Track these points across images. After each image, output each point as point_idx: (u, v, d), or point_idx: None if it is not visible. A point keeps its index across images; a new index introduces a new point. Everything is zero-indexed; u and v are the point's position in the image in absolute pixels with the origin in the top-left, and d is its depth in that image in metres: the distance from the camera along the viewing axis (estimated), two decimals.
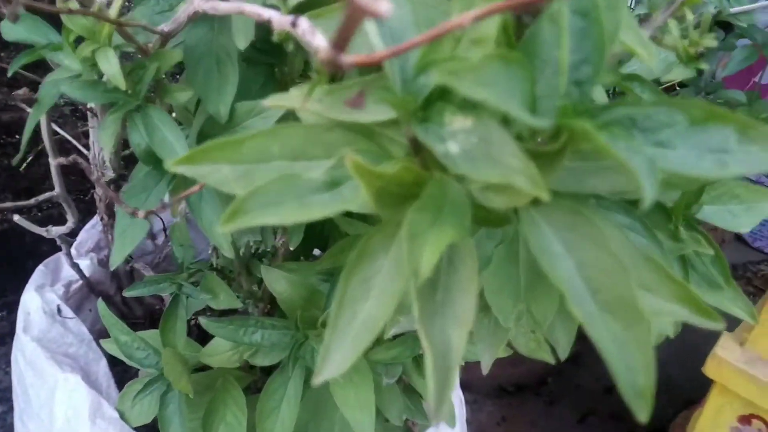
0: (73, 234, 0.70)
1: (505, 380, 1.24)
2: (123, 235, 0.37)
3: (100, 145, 0.35)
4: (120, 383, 0.61)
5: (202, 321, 0.41)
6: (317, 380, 0.22)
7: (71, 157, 0.40)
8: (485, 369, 0.38)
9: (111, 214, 0.73)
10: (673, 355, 1.44)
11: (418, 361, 0.47)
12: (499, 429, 1.18)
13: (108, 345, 0.56)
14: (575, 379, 1.33)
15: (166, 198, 0.39)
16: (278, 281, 0.44)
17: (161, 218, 0.88)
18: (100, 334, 0.65)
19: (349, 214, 0.57)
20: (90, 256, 0.76)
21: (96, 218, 0.81)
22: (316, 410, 0.43)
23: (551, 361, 0.32)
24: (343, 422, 0.44)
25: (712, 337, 1.50)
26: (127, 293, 0.51)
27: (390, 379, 0.44)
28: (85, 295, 0.74)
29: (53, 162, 0.45)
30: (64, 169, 0.59)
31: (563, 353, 0.37)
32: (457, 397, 0.65)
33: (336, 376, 0.37)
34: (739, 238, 1.91)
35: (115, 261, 0.37)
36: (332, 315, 0.22)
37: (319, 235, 0.58)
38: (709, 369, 0.79)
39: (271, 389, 0.41)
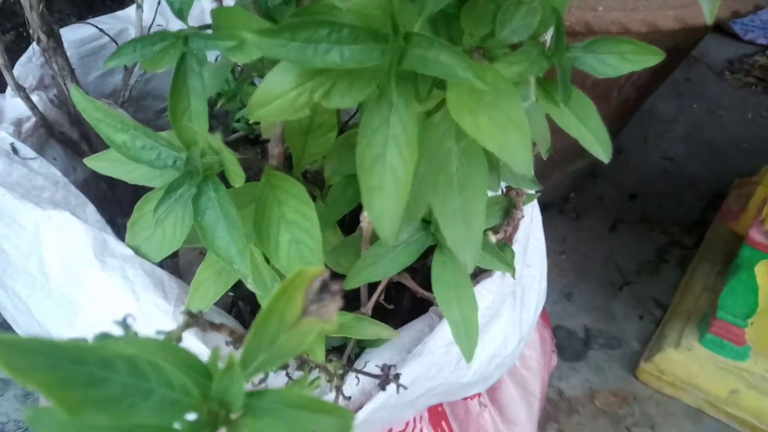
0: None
1: None
2: None
3: None
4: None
5: (248, 35, 0.26)
6: None
7: None
8: (710, 18, 0.25)
9: (50, 32, 0.55)
10: (690, 153, 1.37)
11: (544, 87, 0.33)
12: None
13: (94, 162, 0.41)
14: (597, 192, 1.25)
15: None
16: None
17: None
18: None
19: None
20: (37, 94, 0.59)
21: (31, 47, 0.62)
22: (424, 155, 0.30)
23: None
24: (465, 170, 0.31)
25: (726, 132, 1.44)
26: (106, 64, 0.36)
27: (523, 103, 0.31)
28: (43, 139, 0.57)
29: None
30: None
31: None
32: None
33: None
34: (727, 32, 1.81)
35: None
36: None
37: None
38: None
39: (368, 131, 0.28)
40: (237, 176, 0.33)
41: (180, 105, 0.36)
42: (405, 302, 0.51)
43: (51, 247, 0.42)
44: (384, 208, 0.28)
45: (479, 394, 0.55)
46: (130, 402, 0.18)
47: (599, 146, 0.32)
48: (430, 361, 0.41)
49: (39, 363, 0.16)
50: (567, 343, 0.97)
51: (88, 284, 0.40)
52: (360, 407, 0.40)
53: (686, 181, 1.29)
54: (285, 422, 0.18)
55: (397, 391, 0.37)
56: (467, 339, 0.38)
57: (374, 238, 0.39)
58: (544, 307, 0.82)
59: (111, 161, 0.42)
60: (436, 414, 0.54)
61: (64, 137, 0.60)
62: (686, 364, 0.84)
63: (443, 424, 0.54)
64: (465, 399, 0.55)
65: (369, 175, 0.28)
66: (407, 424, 0.51)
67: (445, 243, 0.39)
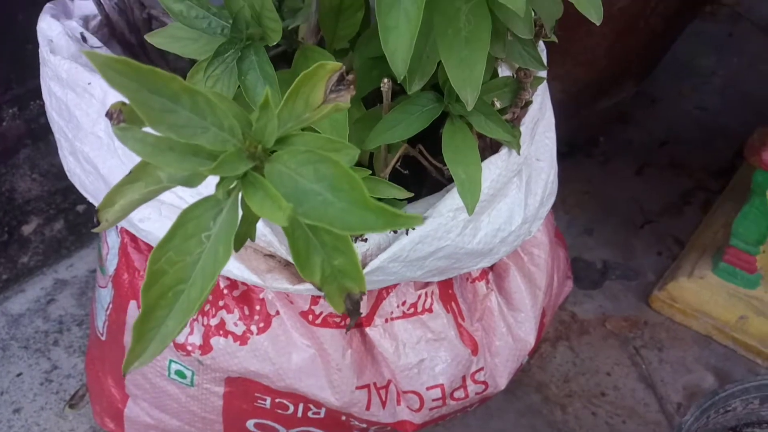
0: None
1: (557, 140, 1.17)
2: None
3: None
4: None
5: None
6: None
7: None
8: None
9: None
10: (726, 105, 1.37)
11: None
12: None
13: (154, 38, 0.48)
14: (627, 137, 1.27)
15: None
16: None
17: None
18: None
19: None
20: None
21: None
22: (437, 12, 0.35)
23: None
24: (471, 27, 0.36)
25: (765, 86, 1.43)
26: None
27: None
28: (105, 38, 0.64)
29: None
30: None
31: None
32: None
33: None
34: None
35: None
36: None
37: None
38: None
39: None
40: (274, 33, 0.39)
41: None
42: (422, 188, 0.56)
43: None
44: (397, 45, 0.33)
45: (487, 279, 0.60)
46: (192, 132, 0.24)
47: (591, 8, 0.36)
48: (439, 222, 0.47)
49: (128, 85, 0.22)
50: (584, 274, 1.01)
51: None
52: (375, 257, 0.46)
53: (718, 131, 1.29)
54: (306, 154, 0.23)
55: (407, 233, 0.43)
56: (470, 194, 0.43)
57: (393, 105, 0.45)
58: (562, 234, 0.86)
59: (168, 38, 0.48)
60: (447, 295, 0.59)
61: (124, 39, 0.67)
62: (698, 292, 0.88)
63: (453, 304, 0.60)
64: (473, 281, 0.60)
65: (386, 16, 0.33)
66: (419, 296, 0.57)
67: (455, 112, 0.44)
